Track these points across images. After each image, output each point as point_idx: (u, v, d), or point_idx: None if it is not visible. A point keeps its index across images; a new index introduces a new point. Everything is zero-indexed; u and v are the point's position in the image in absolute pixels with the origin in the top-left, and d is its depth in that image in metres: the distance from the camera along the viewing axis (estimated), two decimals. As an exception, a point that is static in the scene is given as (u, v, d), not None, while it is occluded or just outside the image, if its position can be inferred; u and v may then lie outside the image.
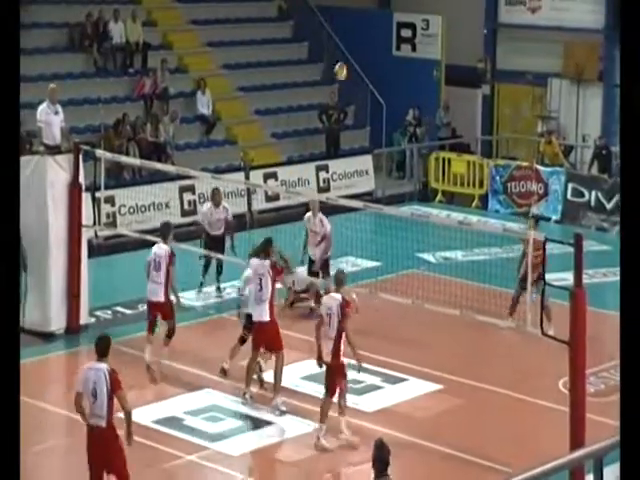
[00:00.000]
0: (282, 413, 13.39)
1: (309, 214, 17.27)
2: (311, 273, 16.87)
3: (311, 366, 14.38)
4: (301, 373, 14.54)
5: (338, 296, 12.67)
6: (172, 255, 14.48)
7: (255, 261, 13.64)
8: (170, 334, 14.63)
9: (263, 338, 13.51)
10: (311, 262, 17.14)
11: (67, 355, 15.69)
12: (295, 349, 14.55)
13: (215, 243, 17.64)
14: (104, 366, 10.29)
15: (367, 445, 12.82)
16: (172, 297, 14.59)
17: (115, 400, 10.26)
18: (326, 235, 16.95)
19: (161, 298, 14.45)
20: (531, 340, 13.63)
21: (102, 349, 10.42)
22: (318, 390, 14.11)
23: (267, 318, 13.43)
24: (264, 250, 13.67)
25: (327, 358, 12.61)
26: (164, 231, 14.90)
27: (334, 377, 12.65)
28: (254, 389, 13.84)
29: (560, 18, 26.48)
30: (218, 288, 17.98)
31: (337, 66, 23.08)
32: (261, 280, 13.43)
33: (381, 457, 8.54)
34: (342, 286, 12.87)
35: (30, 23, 24.08)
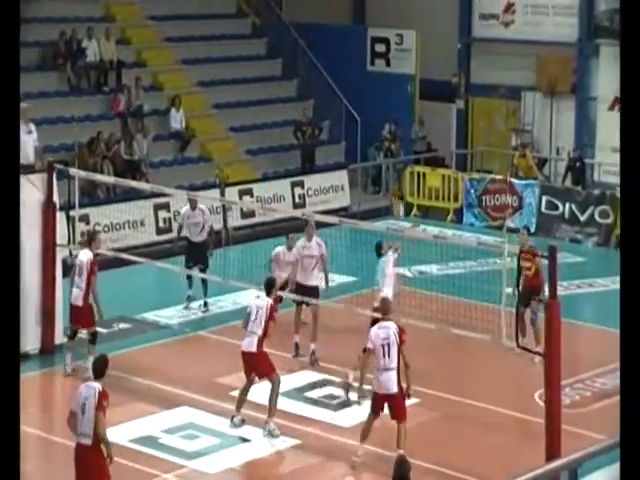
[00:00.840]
0: (275, 436, 13.25)
1: (302, 240, 16.14)
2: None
3: (290, 381, 14.42)
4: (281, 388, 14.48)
5: (391, 324, 12.37)
6: (94, 263, 14.89)
7: (258, 300, 13.45)
8: (92, 340, 14.96)
9: (252, 368, 13.30)
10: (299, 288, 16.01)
11: (41, 375, 15.57)
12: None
13: (196, 250, 17.57)
14: (97, 385, 10.36)
15: (344, 459, 12.91)
16: (92, 303, 14.93)
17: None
18: (324, 255, 16.08)
19: (79, 303, 14.93)
20: (506, 353, 13.66)
21: (98, 369, 10.51)
22: (295, 406, 14.14)
23: (254, 349, 13.13)
24: (268, 290, 13.47)
25: (391, 389, 12.26)
26: (89, 238, 15.45)
27: (400, 405, 12.40)
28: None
29: (533, 32, 26.66)
30: (205, 303, 17.86)
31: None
32: (258, 312, 13.23)
33: (401, 474, 8.48)
34: (389, 313, 12.59)
35: (3, 42, 24.00)
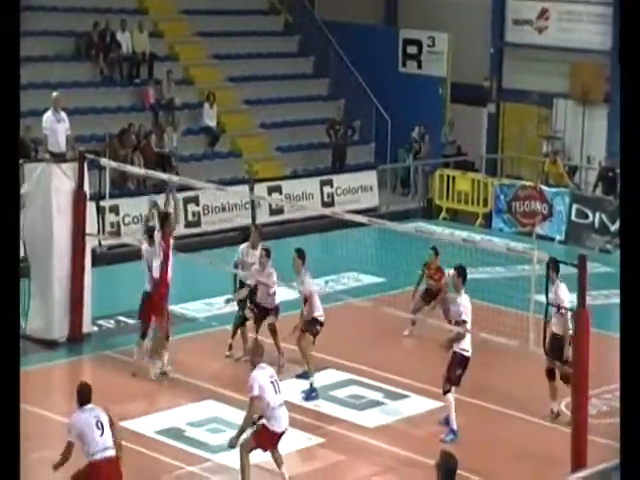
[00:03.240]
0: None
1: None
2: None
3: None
4: (302, 387, 14.50)
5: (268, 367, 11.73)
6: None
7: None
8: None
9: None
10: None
11: (69, 363, 15.65)
12: (296, 362, 14.53)
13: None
14: (93, 405, 10.38)
15: (368, 460, 12.90)
16: None
17: None
18: (310, 293, 14.52)
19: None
20: (534, 360, 13.60)
21: (85, 396, 10.45)
22: (319, 404, 14.14)
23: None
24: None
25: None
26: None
27: None
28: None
29: (567, 39, 26.53)
30: (228, 300, 17.64)
31: None
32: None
33: (448, 468, 8.30)
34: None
35: (37, 31, 24.13)
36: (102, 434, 10.19)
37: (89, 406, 10.37)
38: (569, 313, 13.22)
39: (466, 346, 13.32)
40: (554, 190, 23.79)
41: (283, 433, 11.63)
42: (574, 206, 23.31)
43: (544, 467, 12.00)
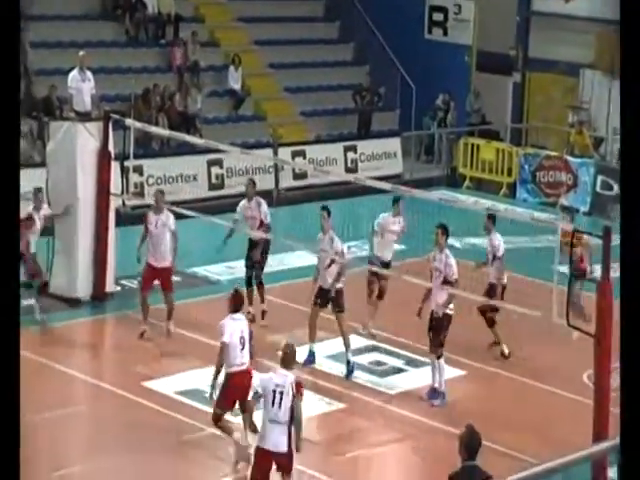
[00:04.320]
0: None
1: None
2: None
3: (335, 345, 14.44)
4: (324, 352, 14.51)
5: (290, 374, 10.17)
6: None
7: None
8: None
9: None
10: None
11: (92, 322, 15.72)
12: (321, 329, 14.53)
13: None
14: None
15: (389, 426, 12.93)
16: None
17: None
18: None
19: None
20: (557, 331, 13.56)
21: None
22: (341, 370, 14.15)
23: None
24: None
25: (281, 447, 10.11)
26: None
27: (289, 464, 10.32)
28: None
29: (594, 9, 26.24)
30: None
31: None
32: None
33: (471, 444, 8.25)
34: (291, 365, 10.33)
35: (64, -11, 24.08)
36: (242, 349, 11.16)
37: (238, 315, 11.25)
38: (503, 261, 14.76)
39: (451, 305, 13.42)
40: (579, 161, 23.65)
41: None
42: (599, 177, 23.18)
43: (567, 438, 11.97)
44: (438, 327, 13.38)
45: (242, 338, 11.31)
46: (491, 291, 14.82)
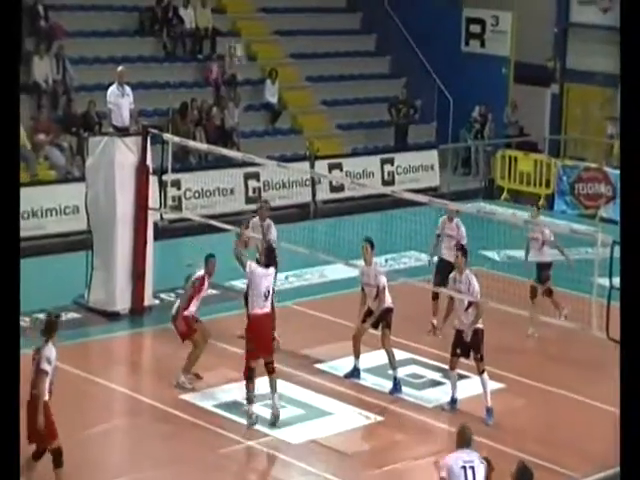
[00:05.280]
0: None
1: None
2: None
3: (374, 358, 14.42)
4: (364, 365, 14.48)
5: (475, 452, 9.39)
6: None
7: None
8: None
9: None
10: None
11: (131, 335, 15.79)
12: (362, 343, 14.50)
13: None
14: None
15: (426, 441, 12.88)
16: None
17: None
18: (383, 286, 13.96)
19: None
20: (595, 343, 13.47)
21: None
22: (379, 383, 14.12)
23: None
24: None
25: None
26: None
27: None
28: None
29: (633, 19, 26.09)
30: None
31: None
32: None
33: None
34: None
35: (103, 5, 24.30)
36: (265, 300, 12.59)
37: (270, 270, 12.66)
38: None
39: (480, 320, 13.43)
40: (618, 172, 23.47)
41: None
42: None
43: (604, 451, 11.86)
44: (476, 343, 13.31)
45: (267, 290, 12.73)
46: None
